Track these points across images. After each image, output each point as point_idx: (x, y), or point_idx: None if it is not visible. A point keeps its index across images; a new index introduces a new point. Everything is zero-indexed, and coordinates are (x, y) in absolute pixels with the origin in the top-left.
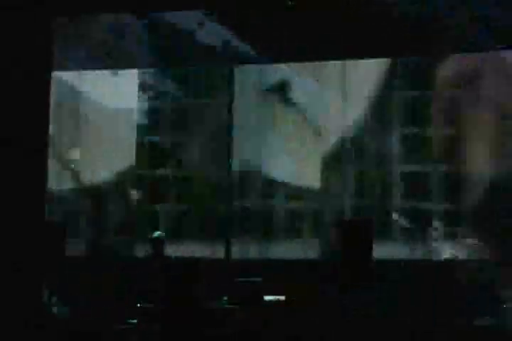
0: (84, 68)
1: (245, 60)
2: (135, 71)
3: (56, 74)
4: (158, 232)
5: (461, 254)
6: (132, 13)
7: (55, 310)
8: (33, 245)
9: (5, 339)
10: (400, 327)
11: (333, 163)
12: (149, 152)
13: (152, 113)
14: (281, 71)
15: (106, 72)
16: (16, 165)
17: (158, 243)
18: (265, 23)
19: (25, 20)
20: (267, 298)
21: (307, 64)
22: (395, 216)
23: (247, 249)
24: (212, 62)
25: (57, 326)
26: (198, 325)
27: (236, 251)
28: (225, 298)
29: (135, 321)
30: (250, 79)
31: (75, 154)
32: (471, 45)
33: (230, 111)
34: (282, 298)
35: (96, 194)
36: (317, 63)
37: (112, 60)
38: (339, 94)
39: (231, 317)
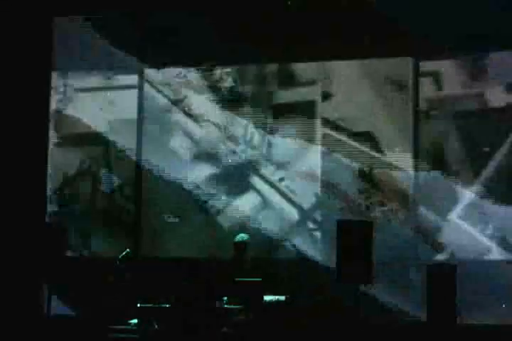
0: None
1: None
2: None
3: None
4: (242, 235)
5: None
6: (132, 13)
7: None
8: (33, 245)
9: (5, 339)
10: None
11: None
12: None
13: None
14: None
15: None
16: (16, 165)
17: (241, 246)
18: None
19: (25, 20)
20: (267, 297)
21: None
22: None
23: None
24: None
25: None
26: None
27: None
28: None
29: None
30: None
31: None
32: None
33: None
34: (282, 297)
35: None
36: None
37: None
38: None
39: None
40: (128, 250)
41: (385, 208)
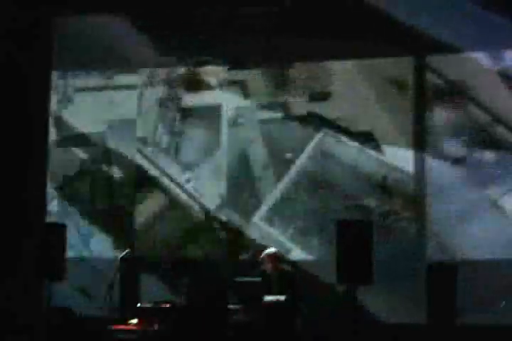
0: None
1: None
2: None
3: None
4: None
5: None
6: (131, 13)
7: None
8: (33, 246)
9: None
10: None
11: None
12: None
13: None
14: None
15: None
16: (16, 165)
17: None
18: None
19: (25, 21)
20: (267, 298)
21: None
22: None
23: None
24: None
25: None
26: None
27: None
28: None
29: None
30: None
31: None
32: None
33: None
34: (282, 297)
35: None
36: None
37: None
38: None
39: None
40: (128, 250)
41: None
